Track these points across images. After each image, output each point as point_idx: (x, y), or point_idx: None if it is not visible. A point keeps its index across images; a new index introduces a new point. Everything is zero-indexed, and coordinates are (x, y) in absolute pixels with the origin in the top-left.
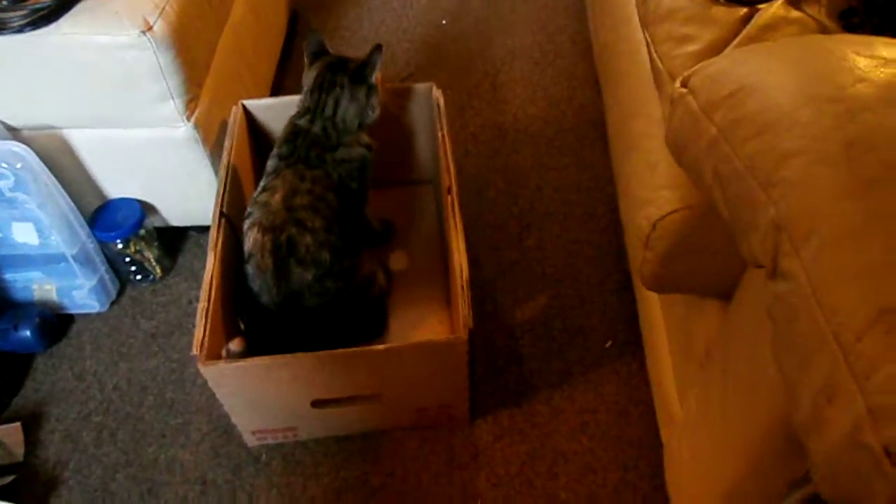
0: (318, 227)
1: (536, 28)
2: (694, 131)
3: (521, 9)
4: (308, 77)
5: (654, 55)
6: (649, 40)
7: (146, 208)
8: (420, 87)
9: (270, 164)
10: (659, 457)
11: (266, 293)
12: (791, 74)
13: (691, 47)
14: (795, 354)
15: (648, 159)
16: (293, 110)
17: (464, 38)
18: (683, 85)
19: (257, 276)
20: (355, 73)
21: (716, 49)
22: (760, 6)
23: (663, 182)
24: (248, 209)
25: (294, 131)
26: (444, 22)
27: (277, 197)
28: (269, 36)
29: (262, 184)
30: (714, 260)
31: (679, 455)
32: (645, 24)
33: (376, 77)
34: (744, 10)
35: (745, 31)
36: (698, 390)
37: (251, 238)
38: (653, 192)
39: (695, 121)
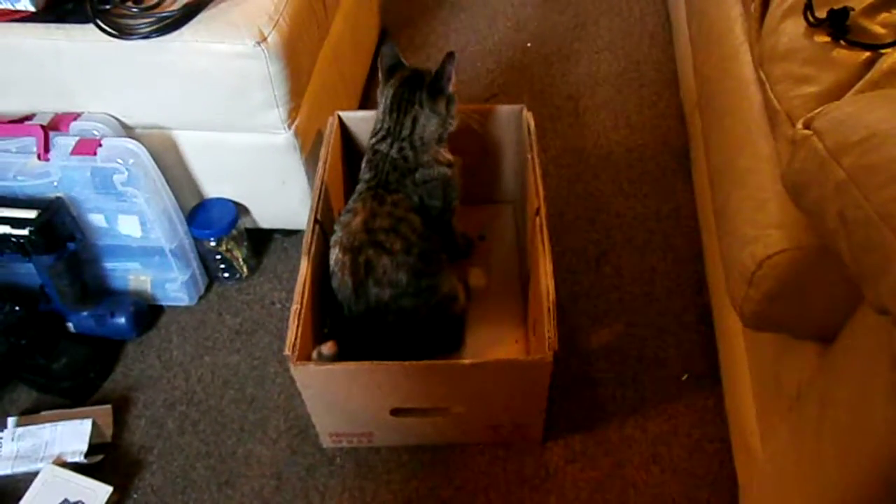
0: (398, 248)
1: (622, 55)
2: (819, 174)
3: (606, 36)
4: (385, 94)
5: (770, 94)
6: (765, 79)
7: (239, 209)
8: (506, 107)
9: (358, 187)
10: (733, 495)
11: (347, 307)
12: None
13: (810, 88)
14: None
15: (755, 196)
16: None
17: (548, 61)
18: (806, 126)
19: (339, 291)
20: (432, 86)
21: (836, 92)
22: (885, 51)
23: (772, 220)
24: (335, 227)
25: (375, 157)
26: (529, 45)
27: (358, 220)
28: (362, 50)
29: (349, 203)
30: (819, 302)
31: (760, 497)
32: (760, 63)
33: (453, 85)
34: (867, 54)
35: (868, 76)
36: (788, 433)
37: (333, 256)
38: (760, 230)
39: (820, 164)
